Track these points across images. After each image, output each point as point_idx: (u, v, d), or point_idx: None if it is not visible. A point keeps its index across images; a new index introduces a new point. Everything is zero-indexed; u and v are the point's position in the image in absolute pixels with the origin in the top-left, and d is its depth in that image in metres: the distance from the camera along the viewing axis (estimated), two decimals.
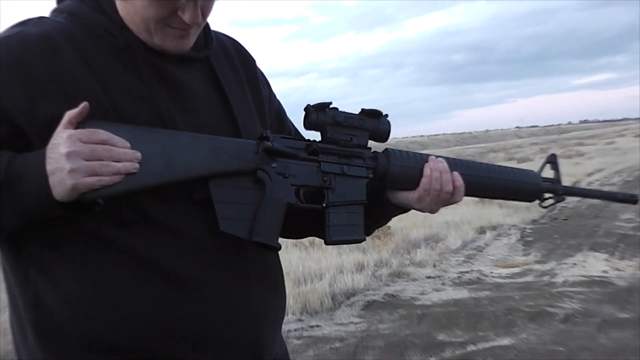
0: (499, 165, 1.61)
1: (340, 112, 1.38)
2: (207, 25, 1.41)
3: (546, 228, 10.01)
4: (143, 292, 1.20)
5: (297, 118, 1.59)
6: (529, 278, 6.90)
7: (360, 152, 1.41)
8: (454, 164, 1.50)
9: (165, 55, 1.28)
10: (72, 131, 1.11)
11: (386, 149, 1.46)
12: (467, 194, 1.50)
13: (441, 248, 8.56)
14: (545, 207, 1.68)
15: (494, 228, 10.00)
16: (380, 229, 7.10)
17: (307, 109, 1.35)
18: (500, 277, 7.06)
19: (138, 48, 1.25)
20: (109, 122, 1.16)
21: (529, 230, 9.84)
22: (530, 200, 1.66)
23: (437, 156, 1.49)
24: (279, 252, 1.41)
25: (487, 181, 1.55)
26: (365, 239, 1.43)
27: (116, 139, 1.14)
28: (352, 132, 1.39)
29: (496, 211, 11.34)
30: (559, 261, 7.54)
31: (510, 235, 9.46)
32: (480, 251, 8.55)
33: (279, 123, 1.55)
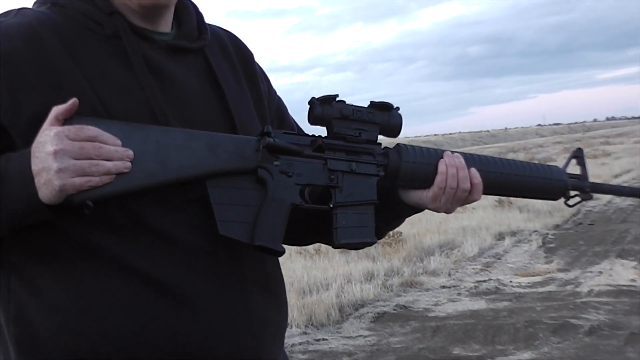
0: (521, 161, 1.60)
1: (348, 105, 1.37)
2: (201, 15, 1.42)
3: (570, 234, 9.99)
4: (132, 305, 1.20)
5: (301, 116, 1.59)
6: (552, 287, 6.88)
7: (369, 148, 1.40)
8: (472, 159, 1.49)
9: (154, 43, 1.29)
10: (60, 128, 1.10)
11: (398, 144, 1.45)
12: (485, 192, 1.49)
13: (457, 255, 8.54)
14: (571, 206, 1.66)
15: (513, 234, 9.98)
16: (391, 235, 7.05)
17: (312, 102, 1.35)
18: (521, 286, 7.04)
19: (127, 35, 1.25)
20: (98, 119, 1.16)
21: (552, 236, 9.82)
22: (555, 199, 1.64)
23: (453, 151, 1.48)
24: (281, 260, 1.40)
25: (507, 178, 1.54)
26: (376, 242, 1.42)
27: (106, 136, 1.13)
28: (360, 127, 1.38)
29: (516, 216, 11.32)
30: (584, 269, 7.51)
31: (531, 241, 9.44)
32: (499, 259, 8.53)
33: (280, 121, 1.54)
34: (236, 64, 1.45)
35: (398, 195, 1.48)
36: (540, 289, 6.85)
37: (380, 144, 1.42)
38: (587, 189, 1.64)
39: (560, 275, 7.39)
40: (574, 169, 1.66)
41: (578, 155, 1.68)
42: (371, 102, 1.41)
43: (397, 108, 1.43)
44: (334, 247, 1.38)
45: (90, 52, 1.23)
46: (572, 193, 1.64)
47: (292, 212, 1.30)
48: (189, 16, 1.39)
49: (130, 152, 1.15)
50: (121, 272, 1.19)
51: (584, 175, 1.65)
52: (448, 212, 1.48)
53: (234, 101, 1.36)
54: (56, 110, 1.11)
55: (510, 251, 8.96)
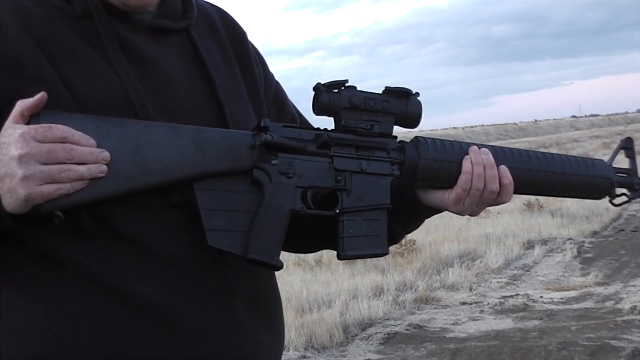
0: (559, 155, 1.58)
1: (359, 92, 1.36)
2: None
3: (610, 242, 9.98)
4: (104, 324, 1.20)
5: (300, 107, 1.59)
6: (589, 304, 6.88)
7: (383, 143, 1.39)
8: (502, 155, 1.48)
9: (131, 23, 1.29)
10: (25, 128, 1.09)
11: (416, 137, 1.44)
12: (517, 192, 1.48)
13: (479, 267, 8.53)
14: (617, 205, 1.64)
15: (544, 242, 9.97)
16: (403, 243, 7.01)
17: (317, 88, 1.34)
18: (553, 302, 7.04)
19: (99, 15, 1.25)
20: (68, 113, 1.16)
21: (588, 245, 9.81)
22: (599, 197, 1.63)
23: (480, 145, 1.47)
24: (277, 273, 1.40)
25: (543, 176, 1.52)
26: (388, 253, 1.41)
27: (79, 135, 1.13)
28: (373, 118, 1.37)
29: (547, 221, 11.31)
30: (626, 283, 7.51)
31: (565, 250, 9.43)
32: (528, 271, 8.53)
33: (278, 109, 1.54)
34: (227, 45, 1.45)
35: (416, 195, 1.47)
36: (576, 306, 6.85)
37: (395, 137, 1.41)
38: (636, 186, 1.62)
39: (599, 289, 7.39)
40: (621, 161, 1.63)
41: (627, 146, 1.66)
42: (386, 87, 1.39)
43: (417, 94, 1.41)
44: (339, 259, 1.37)
45: (57, 35, 1.23)
46: (619, 191, 1.62)
47: (293, 218, 1.30)
48: None
49: (106, 154, 1.15)
50: (91, 287, 1.19)
51: (633, 170, 1.63)
52: (473, 214, 1.48)
53: (223, 88, 1.36)
54: (21, 105, 1.11)
55: (541, 262, 8.96)
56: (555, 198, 13.10)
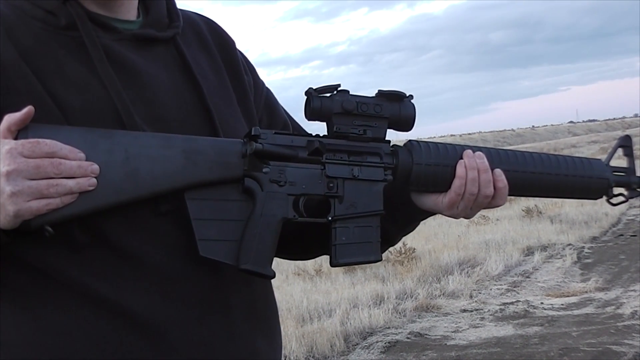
0: (555, 156, 1.56)
1: (351, 96, 1.34)
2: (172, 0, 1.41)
3: (609, 247, 9.99)
4: (97, 339, 1.19)
5: (298, 117, 1.58)
6: (589, 309, 6.87)
7: (376, 148, 1.38)
8: (497, 157, 1.46)
9: (117, 33, 1.28)
10: (12, 144, 1.09)
11: (410, 141, 1.42)
12: (512, 194, 1.47)
13: (479, 274, 8.54)
14: (614, 204, 1.61)
15: (544, 248, 9.98)
16: (403, 252, 7.01)
17: (309, 93, 1.32)
18: (553, 309, 7.04)
19: (84, 25, 1.24)
20: (56, 126, 1.15)
21: (588, 250, 9.81)
22: (596, 198, 1.60)
23: (474, 148, 1.45)
24: (277, 283, 1.39)
25: (538, 177, 1.50)
26: (381, 259, 1.40)
27: (67, 149, 1.12)
28: (366, 122, 1.36)
29: (547, 227, 11.31)
30: (626, 288, 7.51)
31: (565, 256, 9.44)
32: (528, 277, 8.53)
33: (269, 116, 1.53)
34: (215, 54, 1.44)
35: (410, 198, 1.46)
36: (576, 312, 6.84)
37: (389, 141, 1.40)
38: (634, 185, 1.59)
39: (599, 295, 7.38)
40: (617, 160, 1.60)
41: (625, 145, 1.64)
42: (379, 91, 1.38)
43: (410, 97, 1.40)
44: (332, 266, 1.36)
45: (41, 47, 1.22)
46: (616, 191, 1.59)
47: (286, 225, 1.29)
48: (158, 1, 1.38)
49: (95, 167, 1.14)
50: (84, 300, 1.19)
51: (631, 169, 1.60)
52: (467, 217, 1.46)
53: (212, 96, 1.35)
54: (8, 120, 1.10)
55: (541, 268, 8.96)
56: (554, 203, 13.12)
